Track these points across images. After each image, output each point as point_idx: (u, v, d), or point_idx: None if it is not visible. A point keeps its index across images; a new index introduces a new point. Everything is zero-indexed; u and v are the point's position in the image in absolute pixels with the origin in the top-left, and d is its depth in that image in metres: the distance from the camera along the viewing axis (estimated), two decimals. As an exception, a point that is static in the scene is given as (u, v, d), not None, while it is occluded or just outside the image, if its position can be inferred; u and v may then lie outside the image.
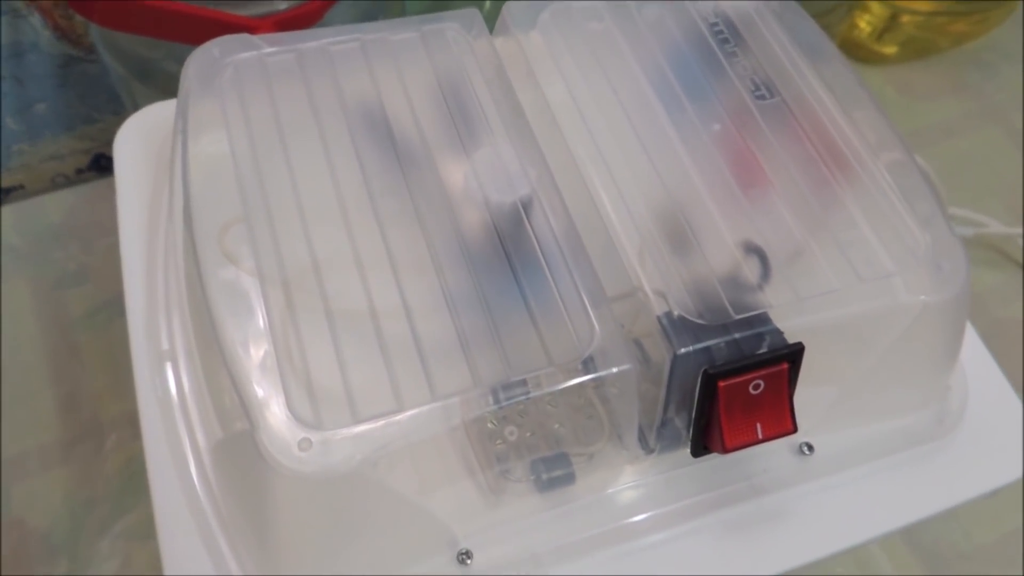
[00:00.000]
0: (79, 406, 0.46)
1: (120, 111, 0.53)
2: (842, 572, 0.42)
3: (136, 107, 0.45)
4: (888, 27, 0.60)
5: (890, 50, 0.61)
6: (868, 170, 0.22)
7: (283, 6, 0.39)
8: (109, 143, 0.56)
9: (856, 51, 0.61)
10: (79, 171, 0.54)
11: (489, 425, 0.21)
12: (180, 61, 0.41)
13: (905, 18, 0.59)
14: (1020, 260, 0.52)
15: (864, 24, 0.60)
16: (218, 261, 0.20)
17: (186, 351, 0.22)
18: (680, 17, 0.25)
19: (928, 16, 0.58)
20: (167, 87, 0.42)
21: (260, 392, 0.18)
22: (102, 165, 0.55)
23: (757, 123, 0.23)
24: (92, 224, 0.52)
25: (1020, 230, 0.52)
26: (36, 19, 0.47)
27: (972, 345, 0.25)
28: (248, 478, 0.19)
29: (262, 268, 0.19)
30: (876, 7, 0.59)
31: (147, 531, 0.42)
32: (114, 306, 0.49)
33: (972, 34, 0.61)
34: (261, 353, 0.18)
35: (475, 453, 0.21)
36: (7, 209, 0.53)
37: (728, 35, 0.24)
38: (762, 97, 0.23)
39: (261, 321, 0.19)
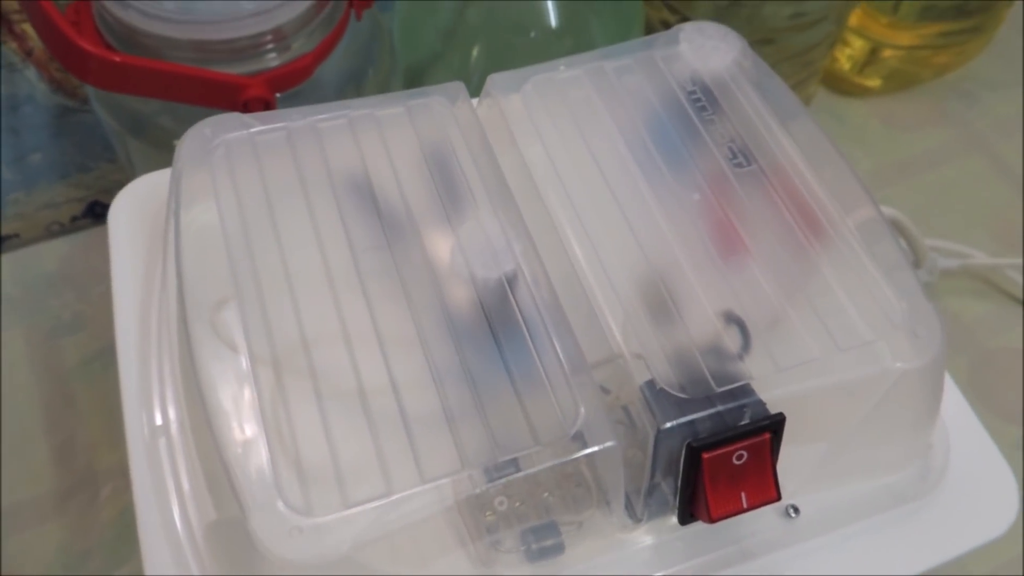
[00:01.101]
0: (74, 456, 0.46)
1: (115, 159, 0.53)
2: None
3: (129, 160, 0.46)
4: (869, 61, 0.61)
5: (873, 83, 0.62)
6: (842, 235, 0.23)
7: (274, 63, 0.39)
8: (104, 191, 0.57)
9: (839, 84, 0.62)
10: (74, 219, 0.55)
11: (478, 492, 0.22)
12: (174, 116, 0.42)
13: (887, 52, 0.60)
14: (1007, 290, 0.52)
15: (844, 59, 0.61)
16: (210, 340, 0.20)
17: (180, 427, 0.23)
18: (659, 85, 0.25)
19: (909, 50, 0.59)
20: (161, 141, 0.43)
21: (250, 478, 0.18)
22: (97, 212, 0.55)
23: (735, 190, 0.24)
24: (87, 272, 0.53)
25: (1007, 260, 0.52)
26: (32, 72, 0.48)
27: (953, 400, 0.26)
28: (241, 561, 0.19)
29: (252, 347, 0.20)
30: (856, 41, 0.60)
31: (143, 583, 0.42)
32: (109, 354, 0.49)
33: (953, 65, 0.62)
34: (252, 436, 0.19)
35: (465, 524, 0.22)
36: (3, 259, 0.54)
37: (705, 102, 0.25)
38: (739, 165, 0.24)
39: (252, 403, 0.19)
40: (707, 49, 0.26)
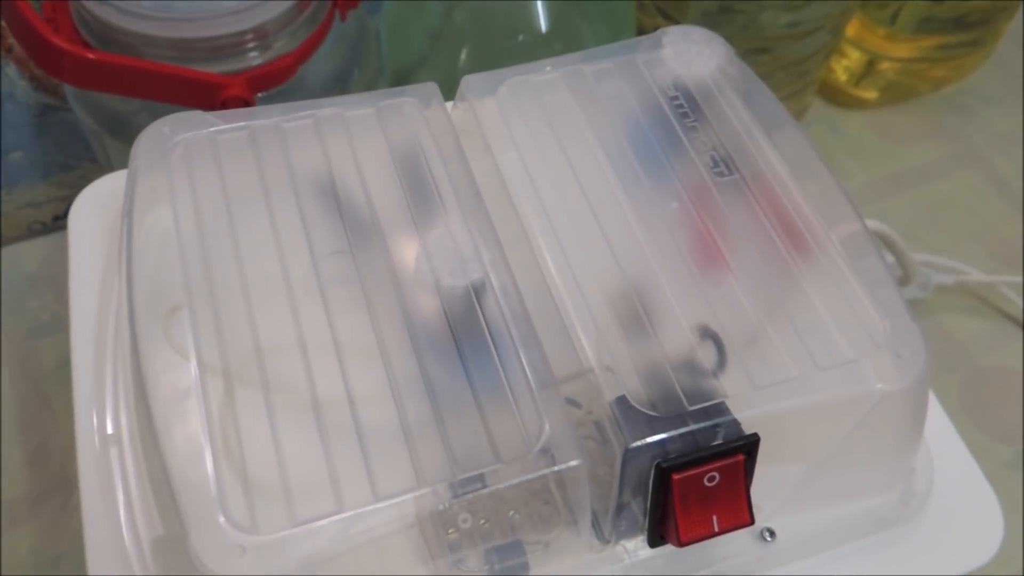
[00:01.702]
0: (48, 459, 0.45)
1: (97, 158, 0.53)
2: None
3: (108, 160, 0.45)
4: (866, 73, 0.60)
5: (870, 95, 0.61)
6: (826, 250, 0.22)
7: (256, 62, 0.39)
8: (86, 190, 0.56)
9: (836, 96, 0.61)
10: (56, 218, 0.54)
11: (441, 508, 0.21)
12: (152, 114, 0.41)
13: (884, 64, 0.59)
14: (1002, 308, 0.52)
15: (841, 70, 0.61)
16: (158, 348, 0.19)
17: (132, 436, 0.22)
18: (640, 90, 0.25)
19: (907, 62, 0.59)
20: (139, 140, 0.42)
21: (192, 492, 0.17)
22: (79, 212, 0.54)
23: (715, 201, 0.23)
24: (67, 273, 0.52)
25: (1003, 278, 0.51)
26: (12, 70, 0.48)
27: (938, 422, 0.25)
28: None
29: (202, 356, 0.19)
30: (853, 53, 0.60)
31: (114, 589, 0.41)
32: (87, 356, 0.49)
33: (951, 79, 0.61)
34: (196, 448, 0.18)
35: (427, 542, 0.21)
36: (-19, 258, 0.53)
37: (687, 108, 0.24)
38: (721, 174, 0.23)
39: (198, 413, 0.18)
40: (691, 54, 0.25)
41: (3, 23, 0.45)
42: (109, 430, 0.22)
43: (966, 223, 0.55)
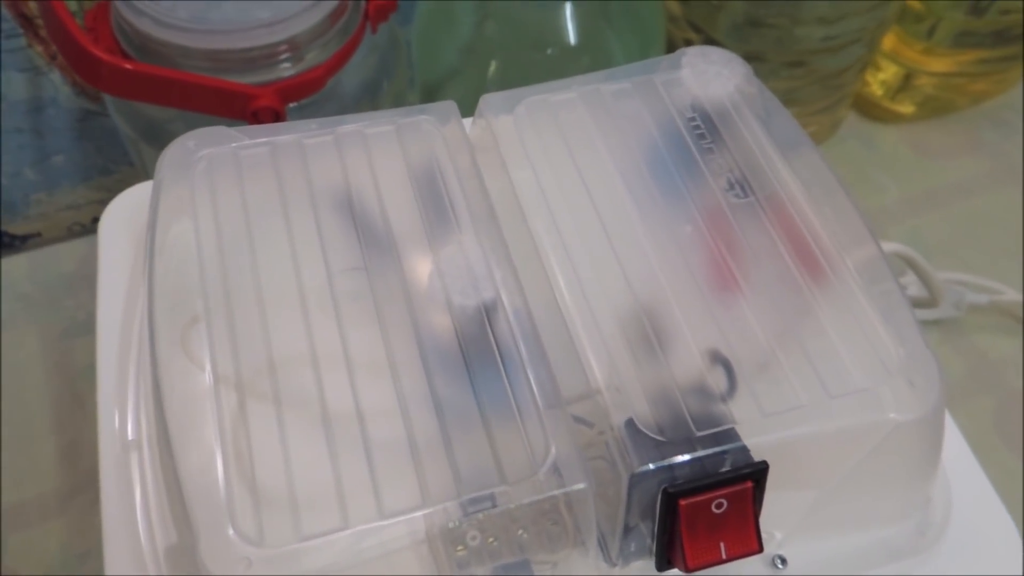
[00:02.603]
0: (80, 456, 0.46)
1: (135, 163, 0.54)
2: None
3: (144, 166, 0.46)
4: (902, 87, 0.59)
5: (907, 109, 0.60)
6: (840, 275, 0.22)
7: (287, 73, 0.39)
8: (124, 194, 0.57)
9: (871, 110, 0.60)
10: (95, 220, 0.56)
11: (450, 525, 0.21)
12: (187, 123, 0.42)
13: (921, 79, 0.58)
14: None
15: (877, 84, 0.60)
16: (175, 357, 0.20)
17: (150, 441, 0.22)
18: (657, 111, 0.25)
19: (945, 77, 0.58)
20: (174, 148, 0.43)
21: (203, 501, 0.18)
22: (117, 214, 0.56)
23: (730, 224, 0.23)
24: (96, 278, 0.53)
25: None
26: (56, 76, 0.49)
27: (956, 449, 0.24)
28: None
29: (217, 367, 0.19)
30: (889, 67, 0.59)
31: (139, 586, 0.42)
32: (120, 356, 0.50)
33: (991, 93, 0.60)
34: (208, 457, 0.18)
35: (435, 559, 0.21)
36: (23, 257, 0.54)
37: (705, 130, 0.24)
38: (736, 196, 0.23)
39: (212, 424, 0.19)
40: (710, 75, 0.25)
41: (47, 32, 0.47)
42: (130, 435, 0.22)
43: (1002, 241, 0.54)
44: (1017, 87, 0.60)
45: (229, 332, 0.20)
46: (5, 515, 0.44)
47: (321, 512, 0.18)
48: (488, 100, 0.24)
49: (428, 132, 0.24)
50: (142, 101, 0.39)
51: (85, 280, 0.55)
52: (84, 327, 0.52)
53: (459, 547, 0.21)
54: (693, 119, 0.24)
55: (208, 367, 0.19)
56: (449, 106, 0.24)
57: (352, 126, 0.24)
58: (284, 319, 0.20)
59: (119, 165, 0.56)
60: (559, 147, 0.24)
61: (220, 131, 0.23)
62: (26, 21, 0.47)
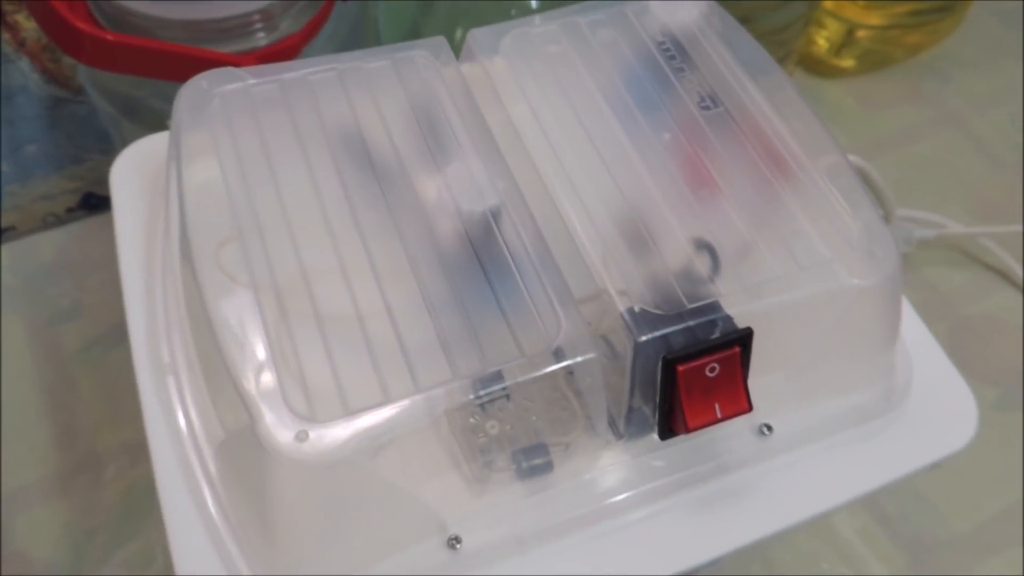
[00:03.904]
0: (77, 438, 0.47)
1: (107, 151, 0.54)
2: (828, 569, 0.43)
3: (124, 143, 0.47)
4: (845, 42, 0.62)
5: (848, 63, 0.63)
6: (805, 171, 0.24)
7: (262, 43, 0.41)
8: (97, 182, 0.58)
9: (816, 66, 0.63)
10: (69, 210, 0.56)
11: (471, 420, 0.23)
12: (164, 98, 0.43)
13: (861, 32, 0.61)
14: (982, 259, 0.53)
15: (822, 40, 0.63)
16: (215, 276, 0.21)
17: (186, 363, 0.24)
18: (631, 38, 0.27)
19: (882, 30, 0.61)
20: (153, 123, 0.44)
21: (259, 391, 0.19)
22: (91, 204, 0.56)
23: (704, 132, 0.25)
24: (84, 261, 0.54)
25: (981, 229, 0.53)
26: (25, 63, 0.49)
27: (914, 327, 0.27)
28: (250, 473, 0.21)
29: (256, 279, 0.21)
30: (832, 23, 0.62)
31: (147, 559, 0.43)
32: (108, 340, 0.51)
33: (925, 44, 0.63)
34: (258, 356, 0.20)
35: (460, 447, 0.23)
36: (2, 250, 0.54)
37: (675, 52, 0.27)
38: (707, 108, 0.25)
39: (257, 327, 0.20)
40: (676, 4, 0.28)
41: (16, 17, 0.47)
42: (165, 359, 0.24)
43: (946, 182, 0.57)
44: (949, 39, 0.64)
45: (262, 249, 0.22)
46: (9, 499, 0.45)
47: (363, 394, 0.20)
48: (475, 35, 0.27)
49: (423, 66, 0.26)
50: (124, 72, 0.40)
51: (65, 269, 0.55)
52: (69, 314, 0.52)
53: (480, 435, 0.23)
54: (663, 43, 0.27)
55: (247, 279, 0.21)
56: (440, 41, 0.26)
57: (351, 63, 0.26)
58: (311, 236, 0.22)
59: (90, 153, 0.55)
60: (546, 75, 0.26)
61: (229, 71, 0.25)
62: (-8, 9, 0.47)
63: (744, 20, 0.56)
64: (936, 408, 0.26)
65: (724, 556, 0.23)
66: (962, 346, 0.51)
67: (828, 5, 0.60)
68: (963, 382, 0.26)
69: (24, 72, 0.50)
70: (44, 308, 0.52)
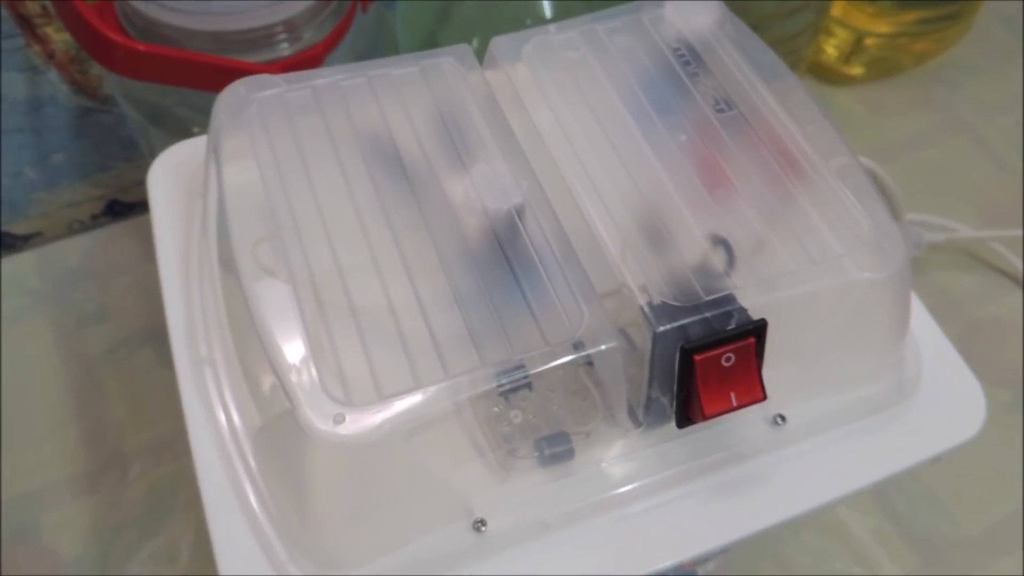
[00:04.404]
0: (104, 438, 0.48)
1: (132, 159, 0.56)
2: (841, 568, 0.44)
3: (152, 150, 0.48)
4: (854, 50, 0.63)
5: (857, 71, 0.64)
6: (817, 171, 0.25)
7: (286, 52, 0.42)
8: (122, 189, 0.59)
9: (825, 74, 0.64)
10: (94, 216, 0.57)
11: (496, 410, 0.24)
12: (189, 106, 0.44)
13: (869, 40, 0.62)
14: (992, 262, 0.54)
15: (831, 48, 0.63)
16: (255, 271, 0.22)
17: (223, 357, 0.25)
18: (647, 44, 0.28)
19: (891, 37, 0.62)
20: (178, 130, 0.46)
21: (298, 377, 0.21)
22: (115, 211, 0.57)
23: (719, 133, 0.26)
24: (108, 266, 0.55)
25: (991, 233, 0.54)
26: (53, 75, 0.51)
27: (922, 321, 0.28)
28: (288, 458, 0.22)
29: (293, 274, 0.22)
30: (841, 31, 0.62)
31: (173, 554, 0.44)
32: (133, 342, 0.52)
33: (933, 52, 0.64)
34: (297, 345, 0.21)
35: (485, 435, 0.24)
36: (28, 254, 0.56)
37: (690, 58, 0.28)
38: (722, 110, 0.26)
39: (295, 319, 0.22)
40: (690, 11, 0.29)
41: (46, 30, 0.49)
42: (203, 353, 0.25)
43: (955, 186, 0.57)
44: (957, 46, 0.64)
45: (299, 246, 0.23)
46: (38, 497, 0.46)
47: (396, 380, 0.21)
48: (498, 43, 0.28)
49: (449, 72, 0.27)
50: (153, 81, 0.41)
51: (91, 274, 0.56)
52: (95, 317, 0.53)
53: (505, 424, 0.24)
54: (679, 49, 0.28)
55: (285, 274, 0.22)
56: (464, 49, 0.27)
57: (380, 70, 0.27)
58: (345, 234, 0.24)
59: (115, 161, 0.57)
60: (566, 81, 0.27)
61: (265, 78, 0.26)
62: (24, 21, 0.48)
63: (754, 29, 0.57)
64: (945, 399, 0.26)
65: (738, 541, 0.24)
66: (972, 349, 0.51)
67: (837, 14, 0.61)
68: (971, 374, 0.27)
69: (53, 83, 0.51)
70: (71, 312, 0.53)
